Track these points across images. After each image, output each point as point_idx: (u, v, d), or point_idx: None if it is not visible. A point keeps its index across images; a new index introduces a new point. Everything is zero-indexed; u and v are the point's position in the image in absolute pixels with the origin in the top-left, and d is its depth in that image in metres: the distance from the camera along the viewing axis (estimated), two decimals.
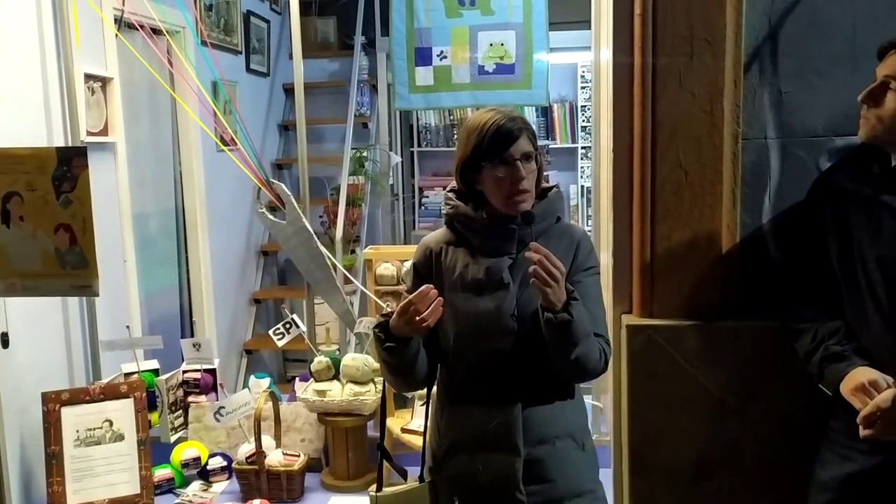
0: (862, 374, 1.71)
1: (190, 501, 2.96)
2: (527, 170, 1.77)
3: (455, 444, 1.85)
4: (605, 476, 2.54)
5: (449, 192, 1.93)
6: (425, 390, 1.95)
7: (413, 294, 1.71)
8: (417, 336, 1.78)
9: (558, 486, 1.81)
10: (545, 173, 6.80)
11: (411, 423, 3.13)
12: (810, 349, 1.82)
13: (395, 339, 1.78)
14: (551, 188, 1.90)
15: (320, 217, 5.39)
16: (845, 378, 1.73)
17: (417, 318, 1.69)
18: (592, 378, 1.87)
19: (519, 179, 1.76)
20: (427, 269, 1.91)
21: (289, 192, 3.23)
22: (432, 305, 1.70)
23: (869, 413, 1.65)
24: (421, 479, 1.95)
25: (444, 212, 1.95)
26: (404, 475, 2.17)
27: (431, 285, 1.73)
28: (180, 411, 3.28)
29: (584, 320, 1.73)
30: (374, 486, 2.04)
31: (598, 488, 1.92)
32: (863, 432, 1.68)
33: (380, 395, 3.14)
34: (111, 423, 2.91)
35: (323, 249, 3.28)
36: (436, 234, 1.95)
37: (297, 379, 3.44)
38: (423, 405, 2.03)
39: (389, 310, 1.84)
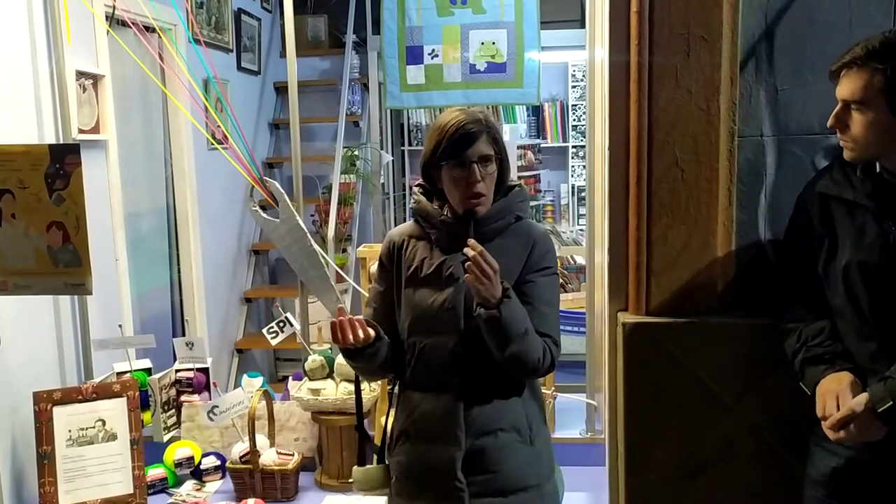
0: (833, 383, 1.73)
1: (183, 501, 2.95)
2: (483, 172, 1.80)
3: (403, 430, 1.91)
4: (601, 474, 2.56)
5: (416, 186, 1.96)
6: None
7: (338, 320, 1.76)
8: (375, 340, 1.83)
9: (500, 478, 1.82)
10: (537, 172, 6.69)
11: None
12: (796, 349, 1.84)
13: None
14: (513, 186, 1.92)
15: (312, 216, 5.38)
16: (821, 381, 1.76)
17: (341, 340, 1.77)
18: (535, 376, 1.89)
19: (474, 182, 1.79)
20: (390, 260, 1.95)
21: (282, 191, 3.21)
22: (353, 333, 1.76)
23: (843, 416, 1.68)
24: (381, 459, 2.02)
25: (410, 206, 2.00)
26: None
27: (359, 318, 1.79)
28: (173, 410, 3.26)
29: (519, 319, 1.74)
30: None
31: (547, 485, 1.91)
32: (833, 435, 1.71)
33: (374, 394, 3.14)
34: (104, 423, 2.89)
35: (317, 247, 3.27)
36: (401, 227, 2.00)
37: (291, 378, 3.43)
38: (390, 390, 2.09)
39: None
